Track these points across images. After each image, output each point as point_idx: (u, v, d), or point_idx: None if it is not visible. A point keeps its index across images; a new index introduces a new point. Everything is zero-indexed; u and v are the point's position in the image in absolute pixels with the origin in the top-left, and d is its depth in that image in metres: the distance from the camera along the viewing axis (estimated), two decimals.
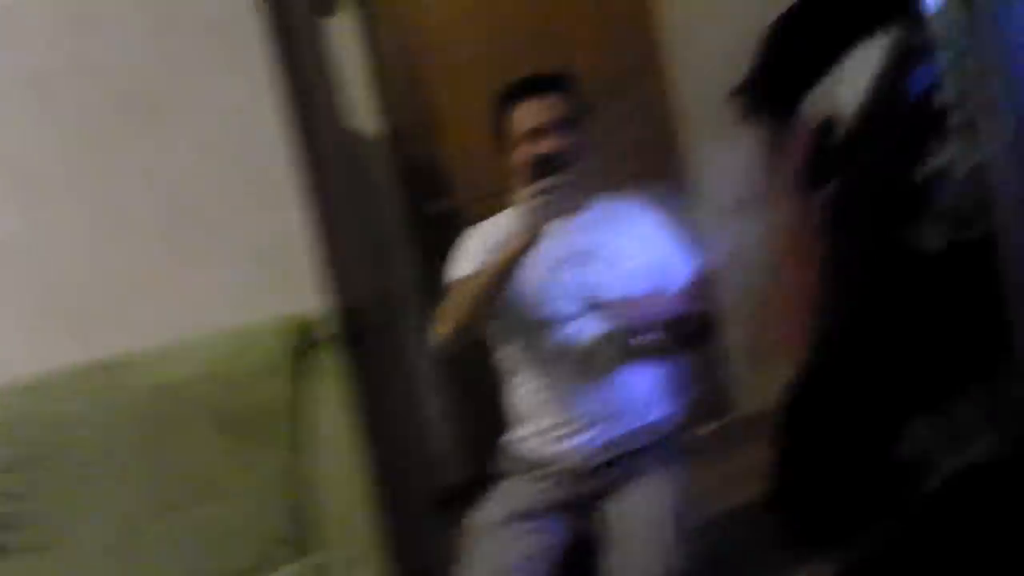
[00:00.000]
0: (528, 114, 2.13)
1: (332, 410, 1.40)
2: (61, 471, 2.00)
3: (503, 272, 2.03)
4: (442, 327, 2.10)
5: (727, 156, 3.48)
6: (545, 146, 2.06)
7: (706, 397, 3.70)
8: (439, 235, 3.49)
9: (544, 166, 2.00)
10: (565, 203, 2.00)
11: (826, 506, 2.56)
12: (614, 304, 2.07)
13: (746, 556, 2.80)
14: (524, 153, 2.07)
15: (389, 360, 1.33)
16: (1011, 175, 1.21)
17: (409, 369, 1.25)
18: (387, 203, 3.56)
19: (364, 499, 1.16)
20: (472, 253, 2.21)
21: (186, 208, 2.45)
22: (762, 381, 3.15)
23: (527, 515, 2.11)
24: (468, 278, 2.12)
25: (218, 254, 2.40)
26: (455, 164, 3.67)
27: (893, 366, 2.42)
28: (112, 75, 2.52)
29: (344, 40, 3.42)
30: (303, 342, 2.00)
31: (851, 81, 2.79)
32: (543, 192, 1.97)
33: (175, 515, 1.94)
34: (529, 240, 2.00)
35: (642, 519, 2.06)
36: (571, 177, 2.01)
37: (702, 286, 2.20)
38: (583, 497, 2.17)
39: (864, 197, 2.59)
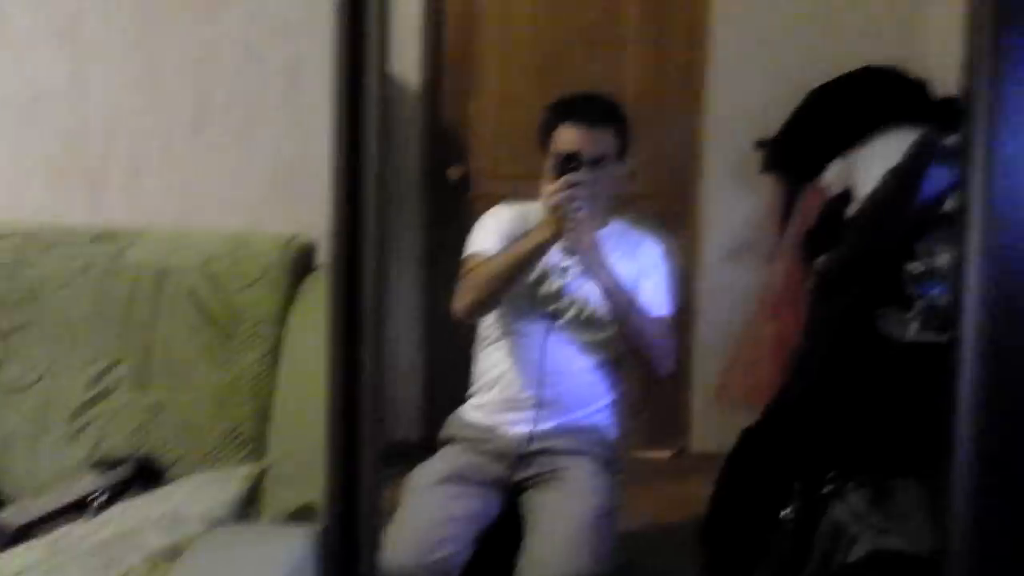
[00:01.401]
0: (571, 138, 2.17)
1: (314, 334, 1.47)
2: (50, 320, 2.09)
3: (525, 259, 2.14)
4: (461, 300, 2.20)
5: (740, 201, 3.60)
6: (573, 149, 2.11)
7: (664, 424, 3.74)
8: (453, 200, 3.57)
9: (568, 165, 2.08)
10: (585, 206, 2.07)
11: (747, 550, 2.64)
12: (615, 289, 2.13)
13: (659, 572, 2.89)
14: (555, 160, 2.14)
15: (373, 304, 1.37)
16: (977, 291, 1.26)
17: (388, 319, 1.30)
18: (407, 158, 3.58)
19: (320, 428, 1.22)
20: (493, 232, 2.28)
21: (220, 104, 2.50)
22: (723, 421, 3.25)
23: (460, 479, 2.17)
24: (490, 257, 2.20)
25: (241, 157, 2.46)
26: (484, 138, 3.70)
27: (844, 433, 2.47)
28: None
29: None
30: (301, 262, 2.08)
31: (874, 163, 2.86)
32: (568, 187, 2.05)
33: (146, 391, 2.02)
34: (553, 234, 2.09)
35: (564, 514, 2.09)
36: (594, 183, 2.09)
37: (674, 326, 2.29)
38: (514, 478, 2.22)
39: (855, 275, 2.62)
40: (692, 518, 2.91)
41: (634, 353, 2.23)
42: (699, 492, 3.18)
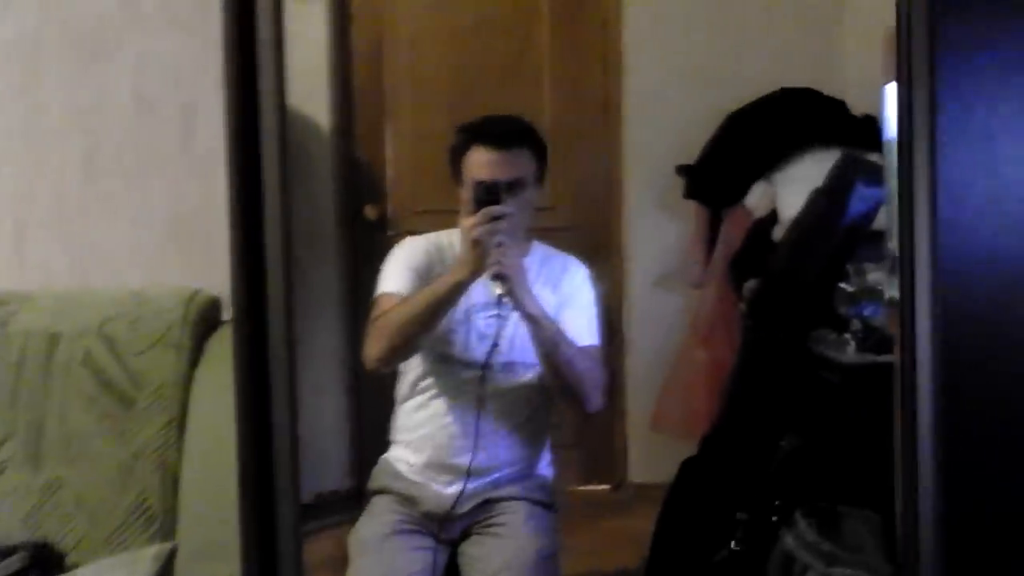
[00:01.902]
0: (485, 165, 2.03)
1: (223, 395, 1.34)
2: None
3: (443, 300, 1.98)
4: (373, 347, 2.04)
5: (663, 228, 3.55)
6: (490, 181, 2.00)
7: (600, 457, 3.68)
8: (371, 239, 3.49)
9: (488, 197, 1.96)
10: (507, 239, 1.96)
11: None
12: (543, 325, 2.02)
13: None
14: (472, 191, 2.01)
15: (281, 356, 1.27)
16: (928, 320, 1.21)
17: (298, 369, 1.21)
18: (321, 199, 3.50)
19: (234, 497, 1.12)
20: (404, 268, 2.14)
21: (111, 155, 2.35)
22: (661, 450, 3.27)
23: (404, 533, 2.06)
24: (404, 299, 2.06)
25: (135, 210, 2.31)
26: (400, 175, 3.64)
27: (780, 466, 2.43)
28: (65, 5, 2.44)
29: (312, 28, 3.35)
30: (206, 319, 1.93)
31: (796, 184, 2.88)
32: (488, 221, 1.94)
33: (39, 470, 1.85)
34: (473, 271, 1.95)
35: (504, 564, 1.99)
36: (512, 211, 1.96)
37: (601, 354, 2.17)
38: (447, 535, 2.11)
39: (785, 297, 2.60)
40: (638, 555, 2.84)
41: (563, 389, 2.08)
42: (642, 525, 3.18)
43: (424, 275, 2.10)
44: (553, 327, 2.01)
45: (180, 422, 1.81)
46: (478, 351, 2.10)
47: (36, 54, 2.37)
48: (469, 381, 2.09)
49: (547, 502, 2.17)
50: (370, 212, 3.57)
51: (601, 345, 2.16)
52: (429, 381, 2.14)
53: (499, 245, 1.92)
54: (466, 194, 2.02)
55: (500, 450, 2.12)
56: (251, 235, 1.34)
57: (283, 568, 1.33)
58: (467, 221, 1.94)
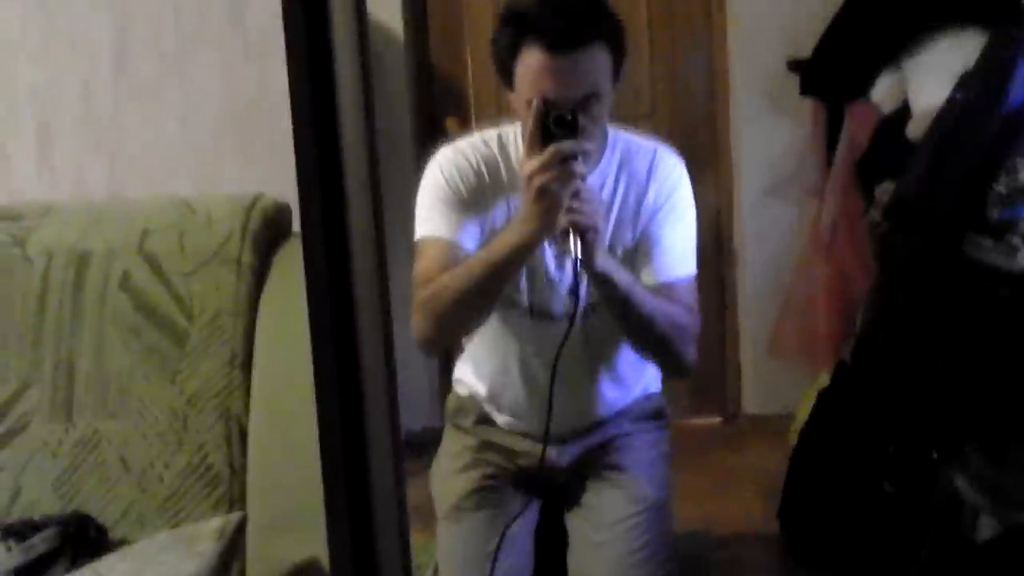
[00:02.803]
0: (545, 74, 1.56)
1: (297, 322, 1.06)
2: None
3: (502, 270, 1.62)
4: (422, 329, 1.69)
5: (776, 131, 3.35)
6: (562, 111, 1.58)
7: (711, 386, 3.54)
8: None
9: (559, 130, 1.52)
10: (584, 203, 1.53)
11: (838, 531, 2.42)
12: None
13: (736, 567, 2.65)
14: (534, 110, 1.55)
15: (368, 280, 0.97)
16: None
17: (385, 294, 0.93)
18: (397, 111, 3.32)
19: (311, 441, 0.86)
20: (450, 202, 1.71)
21: (148, 38, 2.06)
22: (778, 378, 3.19)
23: (493, 500, 1.81)
24: (460, 266, 1.65)
25: (179, 104, 2.02)
26: (482, 85, 3.46)
27: (942, 392, 2.23)
28: None
29: None
30: (271, 229, 1.61)
31: (932, 73, 2.67)
32: (558, 163, 1.51)
33: (70, 423, 1.57)
34: (538, 232, 1.56)
35: (608, 523, 1.76)
36: (591, 148, 1.57)
37: (694, 303, 1.81)
38: (549, 485, 1.84)
39: (936, 200, 2.36)
40: (758, 496, 2.81)
41: (646, 349, 1.74)
42: (759, 462, 3.06)
43: (472, 205, 1.71)
44: (628, 284, 1.62)
45: (245, 359, 1.50)
46: (552, 302, 1.74)
47: None
48: (540, 330, 1.75)
49: (659, 422, 1.93)
50: (452, 125, 3.42)
51: (695, 274, 1.76)
52: (494, 331, 1.80)
53: (574, 176, 1.52)
54: (523, 112, 1.59)
55: (590, 397, 1.83)
56: (322, 125, 1.04)
57: (381, 539, 1.06)
58: (529, 163, 1.52)
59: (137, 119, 1.99)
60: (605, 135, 1.73)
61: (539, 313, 1.75)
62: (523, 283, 1.73)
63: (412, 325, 1.66)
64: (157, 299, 1.53)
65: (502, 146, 1.73)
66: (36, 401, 1.53)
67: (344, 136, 1.09)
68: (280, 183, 1.72)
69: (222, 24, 1.94)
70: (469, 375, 1.91)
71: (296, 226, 1.76)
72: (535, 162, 1.50)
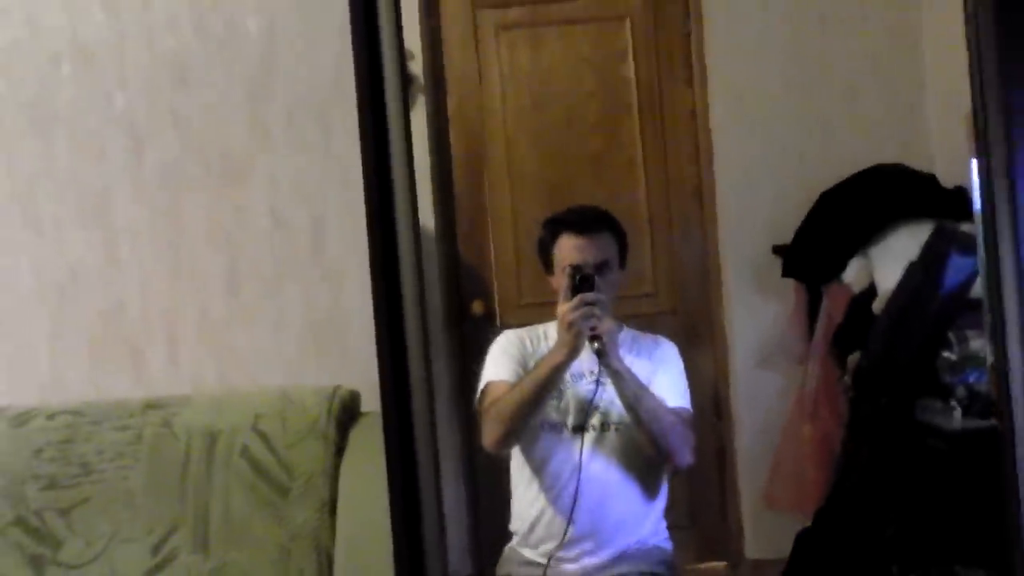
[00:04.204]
0: (574, 250, 2.24)
1: (368, 481, 1.49)
2: (107, 493, 2.11)
3: (546, 381, 2.15)
4: (490, 433, 2.22)
5: (763, 308, 3.56)
6: (586, 271, 2.16)
7: (714, 535, 3.70)
8: (479, 334, 3.60)
9: (583, 285, 2.12)
10: (601, 322, 2.10)
11: None
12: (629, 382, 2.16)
13: None
14: (565, 275, 2.19)
15: (425, 445, 1.38)
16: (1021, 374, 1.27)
17: (437, 456, 1.32)
18: (430, 297, 3.54)
19: (384, 574, 1.23)
20: (504, 358, 2.31)
21: (251, 268, 2.57)
22: (775, 526, 3.32)
23: None
24: (511, 386, 2.21)
25: (275, 317, 2.51)
26: (504, 271, 3.75)
27: (901, 527, 2.47)
28: (202, 131, 2.68)
29: (413, 133, 3.47)
30: (347, 412, 2.11)
31: (893, 258, 2.92)
32: (583, 306, 2.08)
33: (207, 555, 2.02)
34: (571, 352, 2.11)
35: None
36: (604, 299, 2.12)
37: (689, 423, 2.30)
38: None
39: (888, 369, 2.65)
40: None
41: (651, 442, 2.20)
42: None
43: (523, 363, 2.28)
44: (637, 382, 2.16)
45: (331, 506, 1.98)
46: (578, 415, 2.24)
47: (177, 179, 2.61)
48: (571, 444, 2.22)
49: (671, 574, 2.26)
50: (477, 307, 3.69)
51: (690, 410, 2.31)
52: (535, 453, 2.28)
53: (593, 316, 2.07)
54: (558, 282, 2.20)
55: (613, 516, 2.24)
56: (391, 330, 1.45)
57: None
58: (563, 307, 2.11)
59: (241, 329, 2.48)
60: (618, 320, 2.25)
61: (568, 427, 2.24)
62: (557, 404, 2.24)
63: (482, 434, 2.23)
64: (268, 464, 2.03)
65: (544, 333, 2.32)
66: (181, 539, 2.01)
67: (408, 342, 1.48)
68: (350, 376, 2.21)
69: (306, 255, 2.44)
70: (513, 522, 2.34)
71: (364, 407, 2.23)
72: (567, 306, 2.09)
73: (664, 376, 2.29)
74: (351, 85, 1.15)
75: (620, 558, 2.23)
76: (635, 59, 3.74)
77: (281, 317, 2.49)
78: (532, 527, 2.28)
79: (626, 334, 2.33)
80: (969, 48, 1.23)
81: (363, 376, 1.38)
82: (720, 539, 3.73)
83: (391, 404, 1.44)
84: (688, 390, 2.34)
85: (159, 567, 2.04)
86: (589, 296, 2.09)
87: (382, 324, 1.46)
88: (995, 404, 2.21)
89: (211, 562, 1.99)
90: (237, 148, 2.62)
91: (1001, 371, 1.27)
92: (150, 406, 2.15)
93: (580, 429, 2.23)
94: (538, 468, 2.28)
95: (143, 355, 2.53)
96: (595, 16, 3.78)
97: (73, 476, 2.12)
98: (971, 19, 1.21)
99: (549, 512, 2.25)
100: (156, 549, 2.05)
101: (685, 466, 2.27)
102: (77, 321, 2.61)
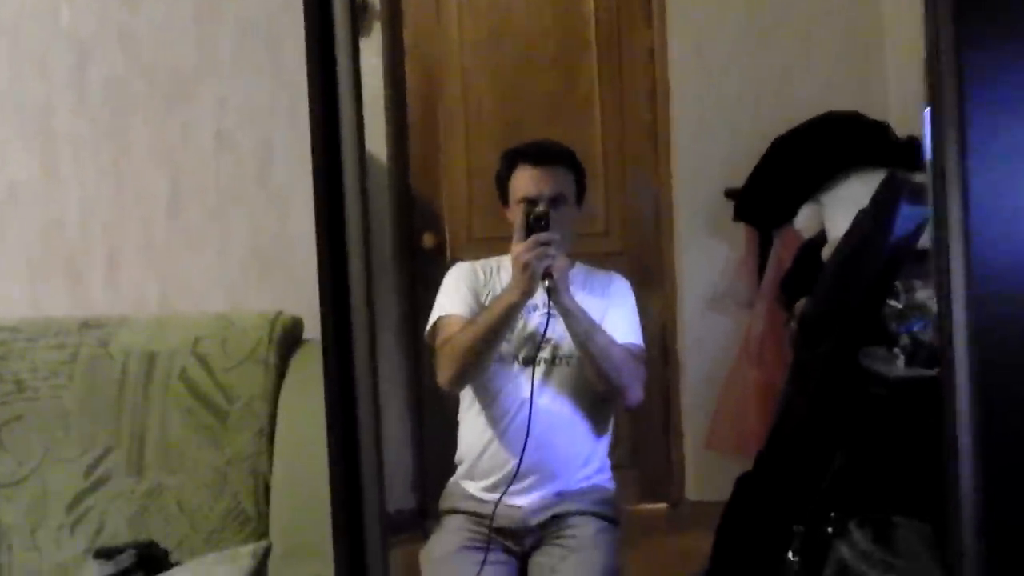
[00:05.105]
0: (529, 180, 2.22)
1: (307, 408, 1.49)
2: (41, 412, 2.08)
3: (501, 321, 2.13)
4: (444, 372, 2.20)
5: (714, 251, 3.60)
6: (540, 209, 2.14)
7: (657, 476, 3.73)
8: (429, 267, 3.59)
9: (537, 224, 2.09)
10: (554, 260, 2.09)
11: None
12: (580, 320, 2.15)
13: None
14: (520, 211, 2.17)
15: (365, 374, 1.37)
16: (964, 326, 1.27)
17: (377, 386, 1.31)
18: (383, 226, 3.61)
19: (321, 502, 1.22)
20: (459, 292, 2.29)
21: (195, 190, 2.52)
22: (717, 469, 3.35)
23: (475, 550, 2.16)
24: (465, 325, 2.19)
25: (218, 241, 2.47)
26: (456, 206, 3.74)
27: (840, 473, 2.48)
28: (149, 50, 2.61)
29: (367, 62, 3.45)
30: (289, 338, 2.08)
31: (844, 205, 2.94)
32: (537, 246, 2.06)
33: (143, 476, 2.01)
34: (525, 292, 2.10)
35: None
36: (559, 237, 2.10)
37: (641, 359, 2.30)
38: (521, 548, 2.22)
39: (834, 316, 2.63)
40: (697, 570, 2.90)
41: (601, 379, 2.19)
42: (700, 543, 3.13)
43: (476, 296, 2.26)
44: (588, 320, 2.15)
45: (269, 432, 1.97)
46: (528, 348, 2.22)
47: (123, 98, 2.55)
48: (520, 382, 2.22)
49: (612, 516, 2.27)
50: (428, 240, 3.69)
51: (642, 346, 2.30)
52: (482, 390, 2.26)
53: (547, 256, 2.06)
54: (514, 216, 2.16)
55: (559, 451, 2.22)
56: (334, 259, 1.43)
57: (371, 569, 1.40)
58: (517, 247, 2.09)
59: (184, 252, 2.44)
60: (571, 256, 2.25)
61: (518, 360, 2.23)
62: (511, 336, 2.21)
63: (437, 371, 2.20)
64: (206, 388, 2.00)
65: (498, 266, 2.31)
66: (116, 460, 1.99)
67: (351, 269, 1.46)
68: (294, 302, 2.18)
69: (252, 179, 2.40)
70: (459, 452, 2.33)
71: (306, 334, 2.20)
72: (521, 246, 2.07)
73: (616, 312, 2.28)
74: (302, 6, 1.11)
75: (563, 495, 2.23)
76: None
77: (225, 241, 2.45)
78: (477, 460, 2.27)
79: (579, 270, 2.31)
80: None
81: (307, 303, 1.36)
82: (661, 480, 3.76)
83: (331, 331, 1.43)
84: (640, 326, 2.32)
85: (92, 488, 2.02)
86: (543, 236, 2.07)
87: (324, 251, 1.43)
88: (938, 354, 2.25)
89: (145, 484, 1.97)
90: (184, 67, 2.56)
91: (945, 319, 1.27)
92: (87, 325, 2.11)
93: (530, 362, 2.22)
94: (486, 401, 2.26)
95: (81, 274, 2.48)
96: None
97: (6, 393, 2.08)
98: None
99: (495, 445, 2.24)
100: (90, 470, 2.03)
101: (636, 403, 2.25)
102: (15, 237, 2.55)
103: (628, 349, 2.23)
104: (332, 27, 1.25)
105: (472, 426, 2.28)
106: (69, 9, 2.61)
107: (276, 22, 2.58)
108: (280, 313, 2.08)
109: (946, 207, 1.20)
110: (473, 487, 2.26)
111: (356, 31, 1.32)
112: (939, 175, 1.21)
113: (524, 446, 2.15)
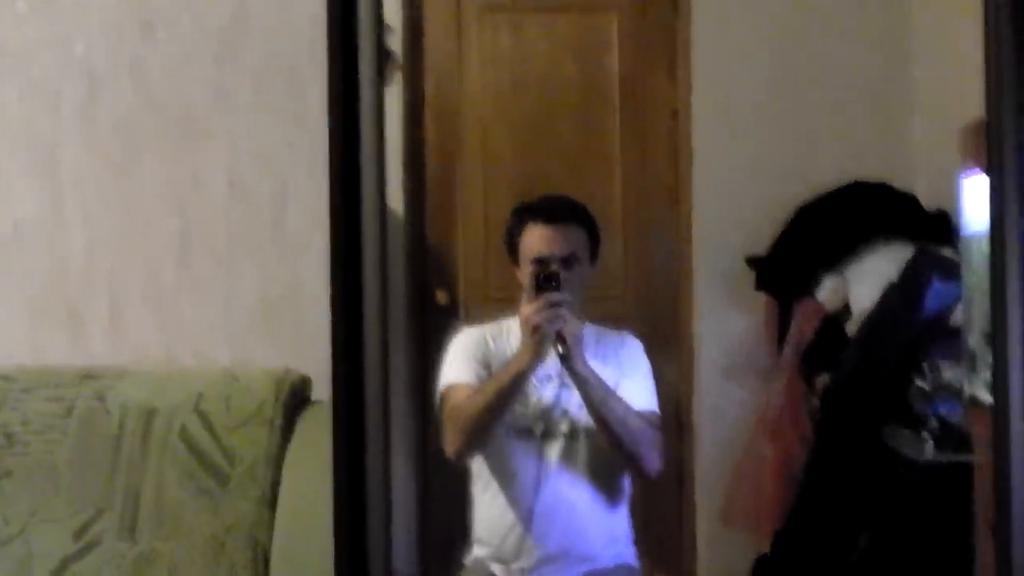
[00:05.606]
0: (540, 240, 2.12)
1: (313, 473, 1.38)
2: (31, 468, 1.98)
3: (509, 388, 2.04)
4: (452, 442, 2.11)
5: (732, 319, 3.50)
6: (552, 269, 2.04)
7: (669, 550, 3.62)
8: (442, 324, 3.50)
9: (548, 284, 1.99)
10: (567, 323, 1.98)
11: None
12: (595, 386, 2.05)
13: None
14: (531, 271, 2.07)
15: (375, 437, 1.29)
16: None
17: (389, 451, 1.23)
18: (393, 283, 3.49)
19: (324, 570, 1.13)
20: (466, 359, 2.19)
21: (204, 237, 2.45)
22: (731, 544, 3.30)
23: None
24: (473, 392, 2.10)
25: (227, 291, 2.39)
26: (471, 262, 3.65)
27: (863, 557, 2.44)
28: (164, 88, 2.55)
29: (386, 112, 3.40)
30: (296, 397, 1.98)
31: (869, 278, 2.89)
32: (548, 308, 1.96)
33: (133, 542, 1.90)
34: (535, 358, 2.00)
35: None
36: (571, 298, 2.00)
37: (658, 426, 2.20)
38: None
39: (860, 393, 2.61)
40: None
41: (618, 449, 2.10)
42: None
43: (485, 363, 2.16)
44: (604, 387, 2.05)
45: (271, 499, 1.85)
46: (545, 422, 2.13)
47: (133, 135, 2.48)
48: (539, 453, 2.13)
49: None
50: (441, 297, 3.60)
51: (659, 413, 2.21)
52: (502, 460, 2.17)
53: (559, 318, 1.96)
54: (524, 275, 2.08)
55: (575, 530, 2.14)
56: (349, 315, 1.36)
57: None
58: (526, 308, 1.99)
59: (191, 300, 2.35)
60: (583, 315, 2.13)
61: (541, 435, 2.13)
62: (520, 409, 2.12)
63: (443, 442, 2.11)
64: (207, 448, 1.89)
65: (507, 329, 2.20)
66: (108, 523, 1.87)
67: (366, 328, 1.38)
68: (301, 358, 2.09)
69: (264, 228, 2.32)
70: (477, 531, 2.23)
71: (316, 395, 2.11)
72: (530, 307, 1.96)
73: (631, 379, 2.19)
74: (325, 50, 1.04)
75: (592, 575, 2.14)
76: (619, 51, 3.64)
77: (233, 291, 2.37)
78: (501, 543, 2.17)
79: (590, 331, 2.20)
80: (987, 58, 1.15)
81: (315, 360, 1.28)
82: (673, 555, 3.65)
83: (343, 393, 1.36)
84: (655, 391, 2.23)
85: (81, 552, 1.90)
86: (554, 296, 1.97)
87: (339, 306, 1.36)
88: (970, 438, 2.21)
89: (137, 549, 1.85)
90: (199, 106, 2.49)
91: (1000, 406, 1.20)
92: (86, 376, 2.01)
93: (548, 436, 2.13)
94: (504, 477, 2.17)
95: (84, 319, 2.40)
96: (581, 5, 3.70)
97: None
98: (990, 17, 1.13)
99: (519, 528, 2.15)
100: (79, 533, 1.92)
101: (655, 473, 2.15)
102: (18, 278, 2.47)
103: (645, 416, 2.14)
104: (355, 72, 1.20)
105: (491, 502, 2.19)
106: (83, 39, 2.55)
107: (298, 62, 2.53)
108: (288, 371, 1.98)
109: (1004, 276, 1.14)
110: (500, 569, 2.17)
111: (382, 77, 1.27)
112: (998, 246, 1.15)
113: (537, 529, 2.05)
